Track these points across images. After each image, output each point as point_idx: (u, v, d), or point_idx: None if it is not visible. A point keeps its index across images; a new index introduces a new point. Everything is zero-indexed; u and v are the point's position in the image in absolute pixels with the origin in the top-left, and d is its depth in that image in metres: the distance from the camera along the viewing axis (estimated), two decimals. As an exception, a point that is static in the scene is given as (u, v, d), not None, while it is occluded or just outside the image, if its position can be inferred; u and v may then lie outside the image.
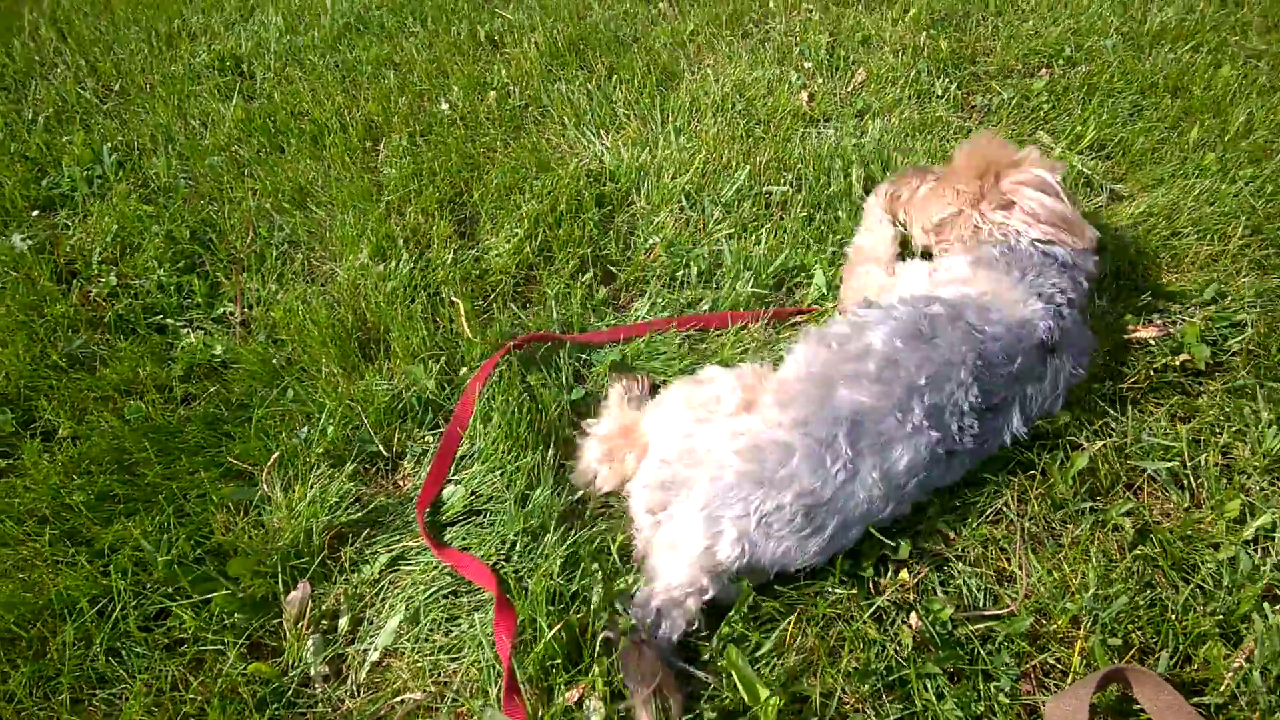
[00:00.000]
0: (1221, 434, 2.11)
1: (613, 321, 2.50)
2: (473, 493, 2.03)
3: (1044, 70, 3.62)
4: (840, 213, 2.79)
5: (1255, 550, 1.87)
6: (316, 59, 3.95)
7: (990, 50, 3.78)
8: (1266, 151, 3.08)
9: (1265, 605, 1.74)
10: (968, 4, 4.11)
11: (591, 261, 2.69)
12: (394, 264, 2.67)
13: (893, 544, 1.85)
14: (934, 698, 1.67)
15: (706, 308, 2.49)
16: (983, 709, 1.65)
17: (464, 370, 2.34)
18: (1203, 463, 2.04)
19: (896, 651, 1.73)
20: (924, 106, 3.41)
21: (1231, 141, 3.12)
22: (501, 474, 2.05)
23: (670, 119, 3.33)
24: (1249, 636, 1.70)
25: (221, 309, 2.66)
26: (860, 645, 1.75)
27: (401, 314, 2.49)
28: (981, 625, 1.79)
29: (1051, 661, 1.73)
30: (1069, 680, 1.69)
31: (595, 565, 1.82)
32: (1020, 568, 1.89)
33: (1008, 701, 1.65)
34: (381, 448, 2.19)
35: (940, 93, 3.47)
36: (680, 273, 2.63)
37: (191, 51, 4.10)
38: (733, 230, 2.74)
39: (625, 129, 3.32)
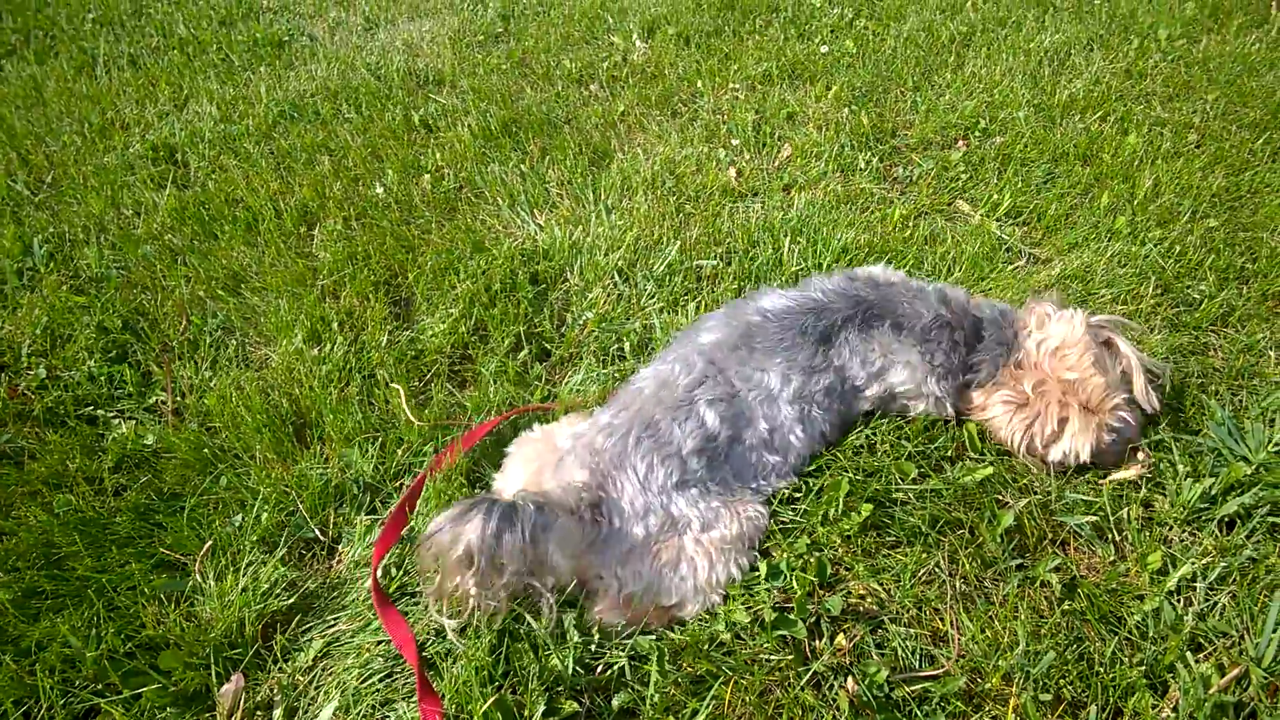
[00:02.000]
0: (1141, 488, 2.24)
1: (549, 397, 2.57)
2: (405, 573, 2.07)
3: (961, 142, 3.85)
4: (772, 283, 2.92)
5: (1178, 600, 1.97)
6: (251, 146, 4.05)
7: (910, 124, 4.00)
8: (1173, 214, 3.30)
9: (1189, 655, 1.84)
10: (887, 80, 4.36)
11: (526, 339, 2.78)
12: (328, 347, 2.73)
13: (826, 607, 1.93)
14: (868, 758, 1.73)
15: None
16: (915, 766, 1.72)
17: (400, 453, 2.40)
18: (1125, 516, 2.16)
19: (835, 717, 1.79)
20: (848, 179, 3.60)
21: (1140, 205, 3.34)
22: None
23: (602, 197, 3.47)
24: (1174, 686, 1.79)
25: (153, 398, 2.69)
26: (799, 711, 1.80)
27: (336, 397, 2.55)
28: (918, 686, 1.85)
29: None
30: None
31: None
32: (953, 626, 1.97)
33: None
34: (318, 532, 2.22)
35: (863, 165, 3.67)
36: (614, 347, 2.73)
37: (125, 142, 4.17)
38: (664, 304, 2.86)
39: (559, 208, 3.45)
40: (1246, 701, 1.77)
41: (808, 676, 1.85)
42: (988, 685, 1.84)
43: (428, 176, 3.70)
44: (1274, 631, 1.86)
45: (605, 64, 4.66)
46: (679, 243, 3.11)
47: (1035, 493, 2.24)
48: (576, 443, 2.08)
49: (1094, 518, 2.16)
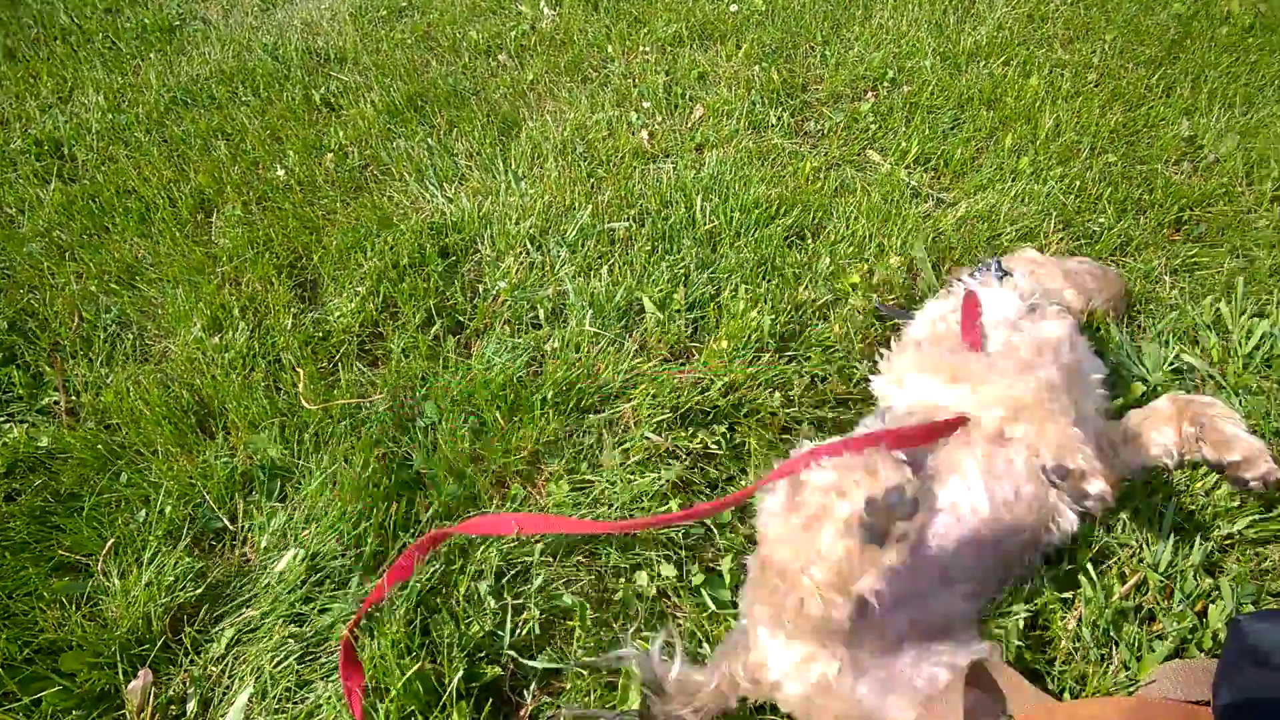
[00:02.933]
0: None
1: (461, 369, 2.53)
2: (313, 555, 2.03)
3: (870, 93, 3.87)
4: (685, 241, 2.92)
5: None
6: (142, 135, 3.91)
7: (820, 78, 4.02)
8: (1074, 151, 3.38)
9: (1090, 568, 1.89)
10: (796, 36, 4.36)
11: (438, 313, 2.73)
12: (230, 335, 2.66)
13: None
14: None
15: (554, 346, 2.56)
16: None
17: (308, 434, 2.34)
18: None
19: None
20: (760, 136, 3.60)
21: (1042, 145, 3.40)
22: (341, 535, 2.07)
23: (512, 166, 3.42)
24: (1079, 599, 1.84)
25: (46, 399, 2.59)
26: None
27: (239, 385, 2.48)
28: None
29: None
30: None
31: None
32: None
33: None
34: (226, 521, 2.17)
35: (775, 121, 3.67)
36: (528, 315, 2.70)
37: (4, 139, 4.00)
38: (578, 269, 2.83)
39: (468, 180, 3.39)
40: (1145, 605, 1.83)
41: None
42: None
43: (330, 156, 3.61)
44: (1168, 538, 1.92)
45: (513, 33, 4.59)
46: (590, 207, 3.09)
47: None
48: None
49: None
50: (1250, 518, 1.98)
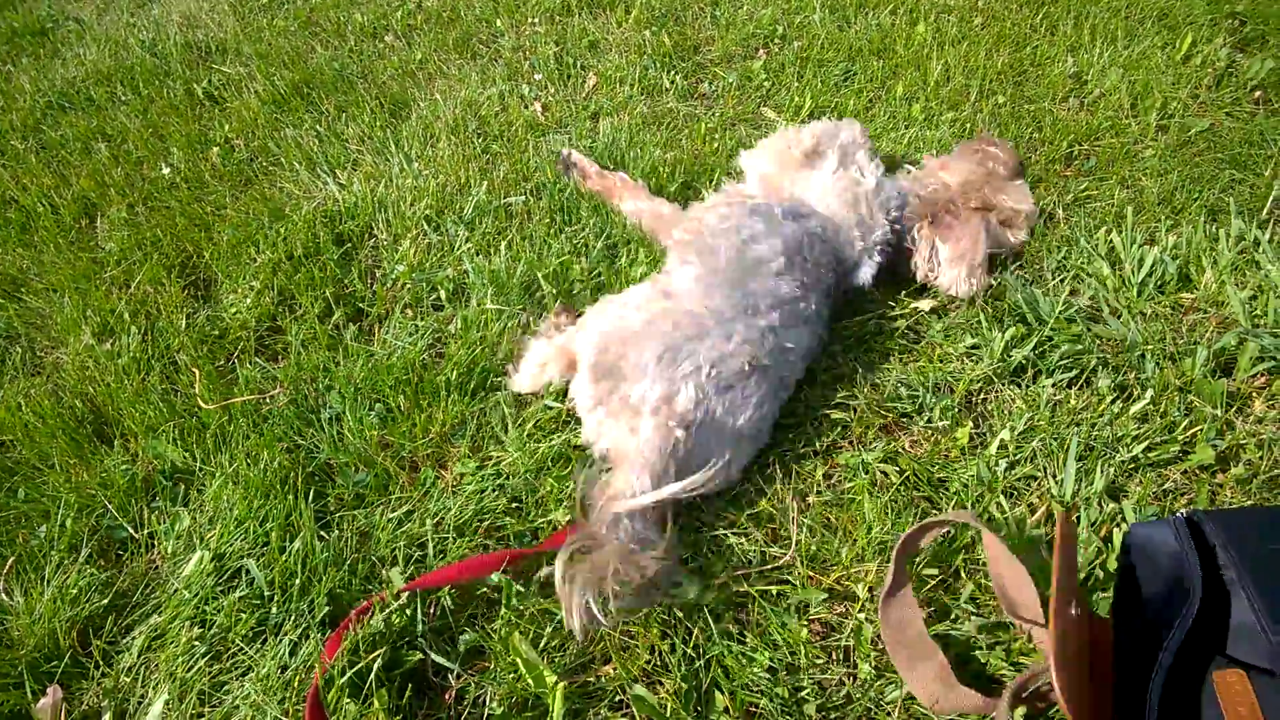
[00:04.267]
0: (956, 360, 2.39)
1: (363, 356, 2.52)
2: (220, 556, 2.02)
3: (761, 51, 3.92)
4: (583, 211, 2.94)
5: (996, 457, 2.12)
6: (17, 143, 3.78)
7: (711, 39, 4.05)
8: (964, 95, 3.47)
9: (1004, 500, 1.99)
10: (685, 0, 4.39)
11: (337, 301, 2.71)
12: (122, 340, 2.61)
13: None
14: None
15: (455, 327, 2.56)
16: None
17: (209, 435, 2.32)
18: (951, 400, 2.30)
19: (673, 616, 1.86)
20: (654, 101, 3.63)
21: (933, 91, 3.49)
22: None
23: (404, 148, 3.40)
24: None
25: (-70, 423, 2.52)
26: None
27: (134, 390, 2.44)
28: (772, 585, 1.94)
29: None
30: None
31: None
32: (794, 524, 2.05)
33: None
34: (131, 530, 2.14)
35: (668, 85, 3.70)
36: (429, 297, 2.70)
37: None
38: (477, 247, 2.83)
39: (361, 164, 3.36)
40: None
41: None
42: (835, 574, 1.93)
43: (216, 150, 3.53)
44: (1075, 463, 2.03)
45: (399, 13, 4.52)
46: (486, 183, 3.08)
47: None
48: None
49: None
50: (1148, 441, 2.10)
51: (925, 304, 2.58)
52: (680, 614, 1.84)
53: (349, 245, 2.94)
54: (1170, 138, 3.21)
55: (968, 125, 3.26)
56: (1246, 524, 1.48)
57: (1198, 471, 2.07)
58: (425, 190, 3.08)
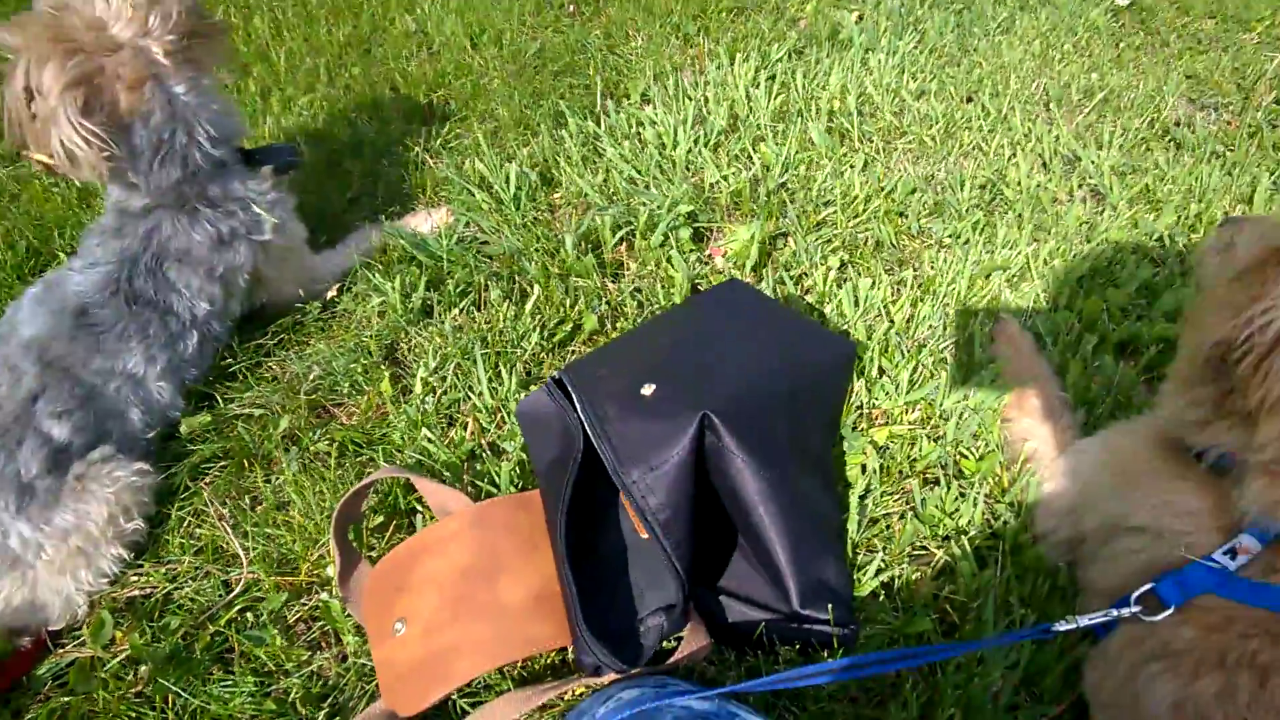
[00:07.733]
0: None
1: None
2: None
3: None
4: None
5: (424, 400, 2.22)
6: None
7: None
8: (316, 75, 3.53)
9: (432, 431, 2.08)
10: None
11: None
12: None
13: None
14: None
15: None
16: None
17: None
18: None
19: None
20: None
21: (285, 79, 3.50)
22: None
23: None
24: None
25: None
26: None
27: None
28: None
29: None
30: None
31: None
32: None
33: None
34: None
35: None
36: None
37: None
38: None
39: None
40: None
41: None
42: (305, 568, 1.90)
43: None
44: (485, 372, 2.19)
45: None
46: None
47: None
48: None
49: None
50: (545, 329, 2.31)
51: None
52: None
53: None
54: (510, 65, 3.53)
55: (326, 104, 3.32)
56: (586, 364, 1.72)
57: (591, 339, 2.34)
58: None
